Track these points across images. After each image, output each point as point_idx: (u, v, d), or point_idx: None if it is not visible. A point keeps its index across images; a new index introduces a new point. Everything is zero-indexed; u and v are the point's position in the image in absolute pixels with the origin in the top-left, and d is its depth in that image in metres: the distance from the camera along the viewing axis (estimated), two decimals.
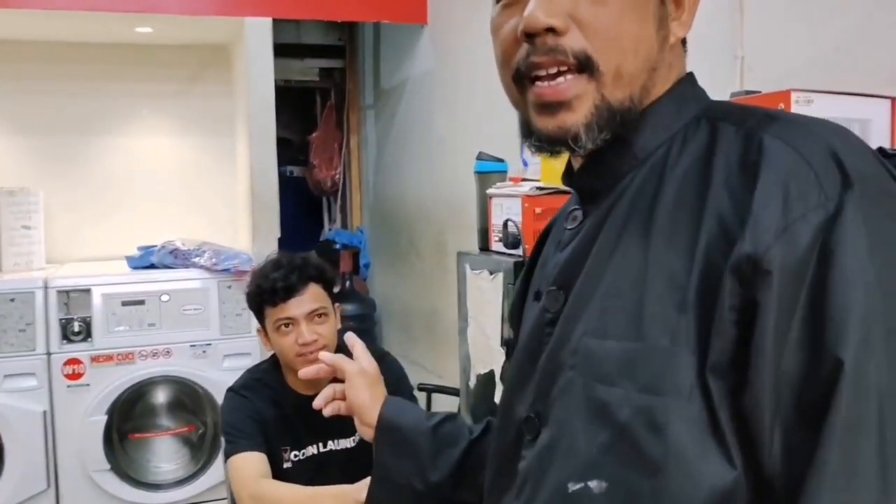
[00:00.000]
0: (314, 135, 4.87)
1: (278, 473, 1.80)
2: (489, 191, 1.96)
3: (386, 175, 4.39)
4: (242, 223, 3.79)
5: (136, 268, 3.26)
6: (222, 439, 1.88)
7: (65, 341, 2.99)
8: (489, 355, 1.94)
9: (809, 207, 0.57)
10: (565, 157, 0.75)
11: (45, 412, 2.96)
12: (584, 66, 0.67)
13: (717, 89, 1.64)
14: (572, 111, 0.68)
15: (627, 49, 0.67)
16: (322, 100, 5.05)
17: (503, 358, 1.87)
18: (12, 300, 2.94)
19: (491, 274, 1.89)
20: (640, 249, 0.66)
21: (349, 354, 1.98)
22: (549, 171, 1.82)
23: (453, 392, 2.64)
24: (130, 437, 3.16)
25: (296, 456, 1.86)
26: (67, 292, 3.01)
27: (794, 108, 0.95)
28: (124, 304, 3.08)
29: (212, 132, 3.96)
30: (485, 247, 2.03)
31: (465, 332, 2.06)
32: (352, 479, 1.64)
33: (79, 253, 3.73)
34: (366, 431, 1.05)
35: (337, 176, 4.82)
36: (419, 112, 3.69)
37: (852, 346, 0.54)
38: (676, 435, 0.60)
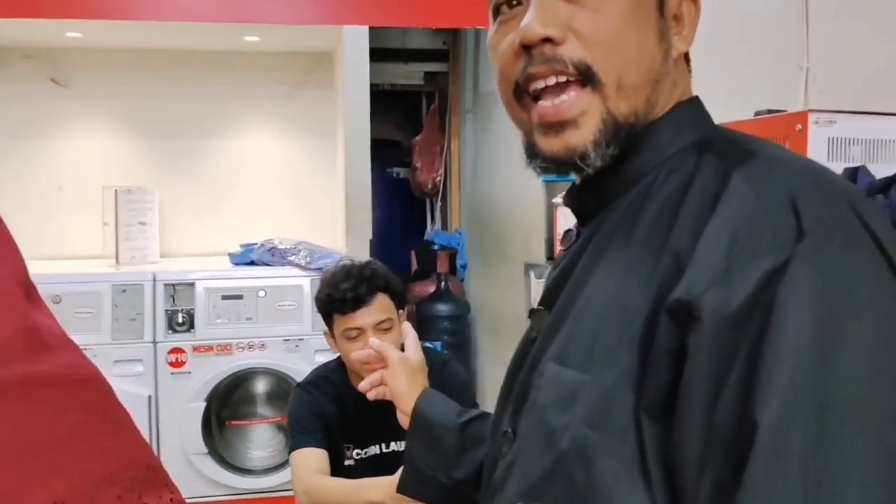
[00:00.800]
0: (418, 138, 4.97)
1: (340, 471, 1.87)
2: (554, 200, 1.96)
3: (482, 178, 4.42)
4: (341, 223, 3.93)
5: (237, 264, 3.45)
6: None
7: (170, 331, 3.19)
8: None
9: (755, 255, 0.54)
10: None
11: (150, 397, 3.17)
12: (586, 77, 0.66)
13: (782, 101, 1.58)
14: (578, 129, 0.67)
15: (629, 59, 0.66)
16: (427, 103, 5.14)
17: None
18: (125, 291, 3.17)
19: None
20: (610, 277, 0.65)
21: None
22: None
23: None
24: (228, 423, 3.34)
25: (358, 454, 1.93)
26: (174, 285, 3.22)
27: (814, 130, 0.91)
28: (224, 297, 3.26)
29: (315, 135, 4.12)
30: (551, 256, 2.04)
31: None
32: None
33: (189, 248, 3.97)
34: (403, 419, 1.10)
35: (438, 178, 4.90)
36: None
37: (773, 411, 0.51)
38: (602, 471, 0.59)
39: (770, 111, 0.97)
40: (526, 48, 0.67)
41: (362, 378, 1.89)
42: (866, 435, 0.50)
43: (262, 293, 3.29)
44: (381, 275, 1.89)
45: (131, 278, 3.21)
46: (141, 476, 0.52)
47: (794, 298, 0.52)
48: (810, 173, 0.60)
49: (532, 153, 0.72)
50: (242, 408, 3.37)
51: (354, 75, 3.44)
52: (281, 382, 3.33)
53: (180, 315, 3.20)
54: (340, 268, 1.93)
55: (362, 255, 3.51)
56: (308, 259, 3.31)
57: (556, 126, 0.68)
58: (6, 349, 0.49)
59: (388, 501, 1.61)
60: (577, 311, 0.67)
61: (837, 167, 0.95)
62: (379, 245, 3.69)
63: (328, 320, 1.93)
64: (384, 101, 4.47)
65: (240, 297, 3.28)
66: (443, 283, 4.54)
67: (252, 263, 3.41)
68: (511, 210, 3.66)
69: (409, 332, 1.22)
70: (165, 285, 3.21)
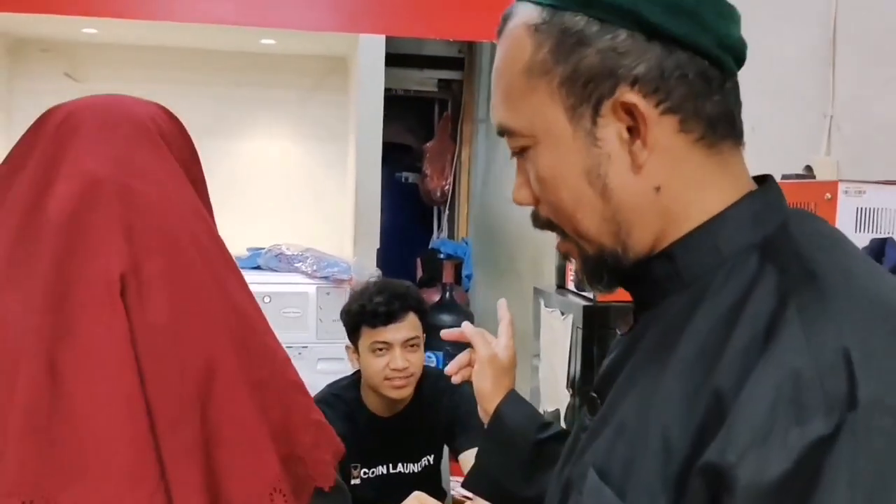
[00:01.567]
0: (429, 144, 4.96)
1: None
2: None
3: (492, 189, 4.41)
4: (348, 230, 3.92)
5: (243, 268, 3.40)
6: None
7: None
8: (556, 394, 1.93)
9: (798, 420, 0.49)
10: None
11: None
12: (557, 230, 0.70)
13: (804, 147, 1.57)
14: (574, 262, 0.72)
15: (568, 213, 0.66)
16: (440, 110, 5.13)
17: (568, 399, 1.85)
18: None
19: (563, 314, 1.88)
20: (654, 395, 0.61)
21: (434, 383, 2.02)
22: None
23: None
24: None
25: (365, 473, 1.92)
26: None
27: (843, 199, 0.90)
28: None
29: (326, 140, 4.11)
30: (562, 284, 2.02)
31: (537, 368, 2.06)
32: None
33: None
34: (483, 417, 1.07)
35: (447, 186, 4.89)
36: None
37: None
38: None
39: (799, 175, 0.96)
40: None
41: (380, 395, 1.91)
42: None
43: (267, 299, 3.27)
44: (413, 294, 1.95)
45: None
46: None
47: (840, 481, 0.48)
48: (877, 314, 0.54)
49: None
50: None
51: (369, 83, 3.43)
52: None
53: None
54: (374, 282, 1.96)
55: (369, 263, 3.51)
56: (315, 267, 3.30)
57: (568, 257, 0.73)
58: None
59: None
60: (620, 421, 0.64)
61: (865, 238, 0.94)
62: (384, 250, 3.68)
63: (354, 333, 1.93)
64: (397, 104, 4.46)
65: None
66: (447, 293, 4.52)
67: (258, 268, 3.40)
68: (520, 225, 3.64)
69: (506, 313, 1.10)
70: None
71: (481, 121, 4.71)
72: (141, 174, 0.85)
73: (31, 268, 0.78)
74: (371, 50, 3.42)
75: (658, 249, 0.65)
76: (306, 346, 3.28)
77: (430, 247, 5.01)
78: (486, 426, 1.04)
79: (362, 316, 1.88)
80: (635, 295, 0.71)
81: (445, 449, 2.10)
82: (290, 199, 4.08)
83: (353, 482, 1.91)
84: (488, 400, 1.05)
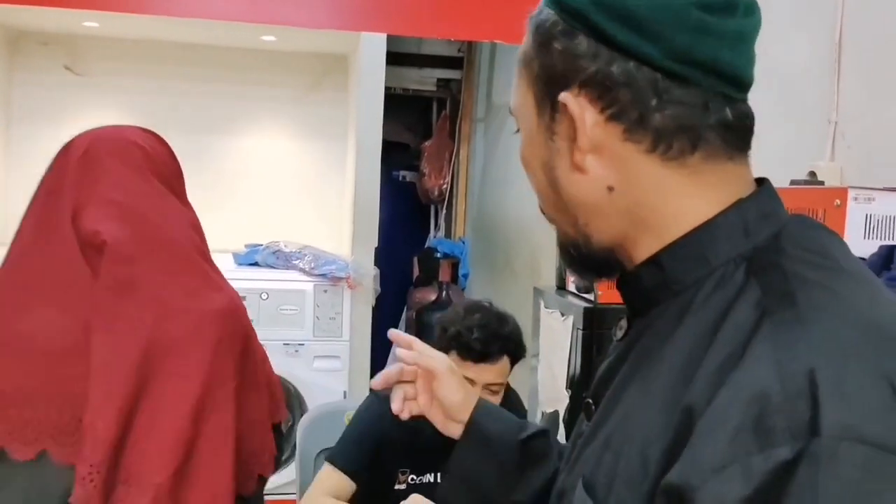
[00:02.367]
0: (427, 143, 4.96)
1: (389, 493, 1.81)
2: None
3: (490, 189, 4.41)
4: (347, 227, 3.91)
5: (241, 264, 3.43)
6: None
7: None
8: (555, 395, 1.93)
9: (760, 446, 0.48)
10: None
11: None
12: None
13: (807, 153, 1.57)
14: None
15: (542, 199, 0.71)
16: (439, 109, 5.13)
17: (567, 401, 1.86)
18: None
19: (562, 315, 1.88)
20: (638, 409, 0.61)
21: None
22: None
23: None
24: None
25: (412, 480, 1.88)
26: None
27: (852, 206, 0.90)
28: None
29: (326, 138, 4.10)
30: (562, 285, 2.02)
31: (536, 369, 2.06)
32: None
33: None
34: (452, 428, 1.03)
35: (444, 185, 4.89)
36: None
37: None
38: None
39: (807, 182, 0.96)
40: None
41: None
42: None
43: (264, 296, 3.28)
44: (514, 337, 1.80)
45: None
46: None
47: None
48: (855, 337, 0.52)
49: None
50: None
51: (369, 81, 3.42)
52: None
53: None
54: (481, 311, 1.80)
55: (367, 262, 3.50)
56: (312, 264, 3.30)
57: None
58: None
59: None
60: (608, 433, 0.65)
61: (874, 245, 0.95)
62: (381, 247, 3.68)
63: (442, 349, 1.86)
64: (396, 102, 4.46)
65: (242, 298, 3.25)
66: (444, 292, 4.53)
67: (256, 265, 3.39)
68: (518, 224, 3.64)
69: (410, 340, 1.08)
70: None
71: (480, 120, 4.72)
72: (145, 196, 1.19)
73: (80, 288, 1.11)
74: (372, 48, 3.42)
75: (646, 256, 0.65)
76: (303, 344, 3.28)
77: (426, 245, 5.01)
78: (460, 436, 1.01)
79: (456, 343, 1.76)
80: (627, 302, 0.71)
81: None
82: (289, 196, 4.07)
83: (397, 487, 1.86)
84: (462, 410, 1.02)
